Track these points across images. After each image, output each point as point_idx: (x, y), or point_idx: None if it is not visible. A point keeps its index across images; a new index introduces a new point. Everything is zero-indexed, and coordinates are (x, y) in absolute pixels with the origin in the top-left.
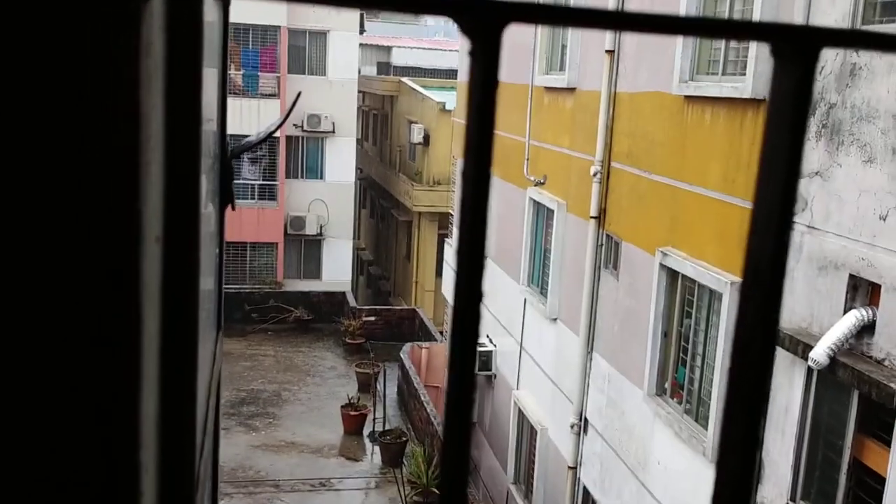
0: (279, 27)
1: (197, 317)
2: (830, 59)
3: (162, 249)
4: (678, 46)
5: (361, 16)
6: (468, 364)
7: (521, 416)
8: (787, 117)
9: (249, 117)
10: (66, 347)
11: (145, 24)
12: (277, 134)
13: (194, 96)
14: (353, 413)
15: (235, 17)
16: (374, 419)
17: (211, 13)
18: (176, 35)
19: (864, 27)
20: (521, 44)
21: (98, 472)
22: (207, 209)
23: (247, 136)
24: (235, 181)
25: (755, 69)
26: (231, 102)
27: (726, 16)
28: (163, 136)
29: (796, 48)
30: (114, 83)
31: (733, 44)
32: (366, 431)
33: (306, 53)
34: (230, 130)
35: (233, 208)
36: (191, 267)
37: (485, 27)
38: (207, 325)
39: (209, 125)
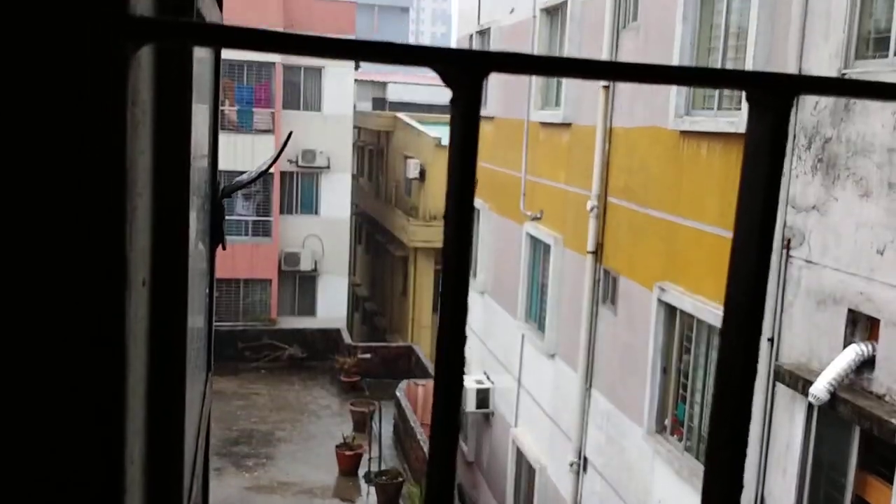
0: (274, 63)
1: (185, 359)
2: None
3: (149, 292)
4: None
5: None
6: (453, 403)
7: (520, 454)
8: (763, 162)
9: (244, 153)
10: (50, 390)
11: (133, 73)
12: (272, 170)
13: (183, 142)
14: (348, 453)
15: (230, 53)
16: (369, 459)
17: (202, 51)
18: (165, 84)
19: (858, 62)
20: (516, 79)
21: None
22: (198, 248)
23: (241, 172)
24: (229, 217)
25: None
26: (225, 138)
27: (720, 53)
28: (151, 181)
29: (770, 95)
30: (100, 131)
31: None
32: (361, 472)
33: (301, 89)
34: (224, 166)
35: (223, 248)
36: (179, 310)
37: (465, 77)
38: (197, 366)
39: (201, 164)
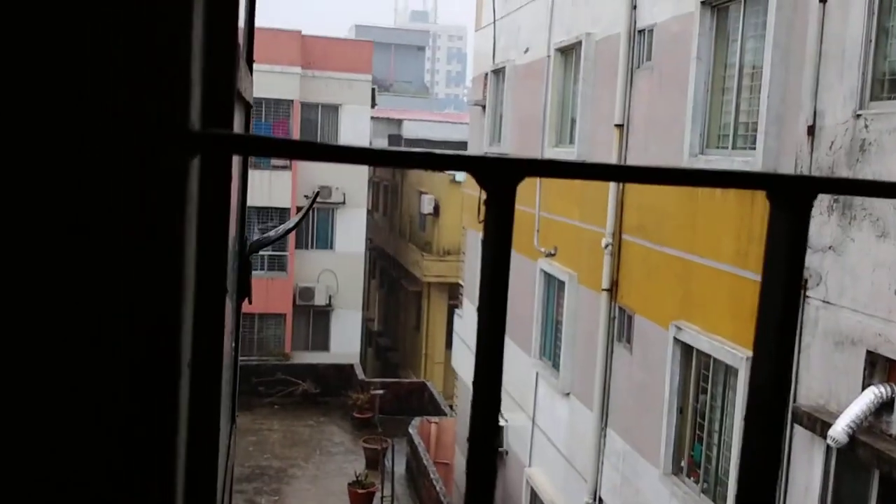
0: (292, 101)
1: (218, 432)
2: (840, 134)
3: (190, 373)
4: (688, 120)
5: (373, 90)
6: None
7: (534, 494)
8: (784, 258)
9: (261, 189)
10: (104, 469)
11: (190, 178)
12: (288, 205)
13: (222, 236)
14: (360, 491)
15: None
16: (382, 497)
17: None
18: (208, 188)
19: (873, 103)
20: (530, 116)
21: None
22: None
23: (259, 208)
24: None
25: (765, 143)
26: None
27: (735, 93)
28: (194, 267)
29: (790, 196)
30: (160, 234)
31: (742, 118)
32: None
33: (318, 126)
34: None
35: (249, 302)
36: (213, 388)
37: (500, 181)
38: (223, 422)
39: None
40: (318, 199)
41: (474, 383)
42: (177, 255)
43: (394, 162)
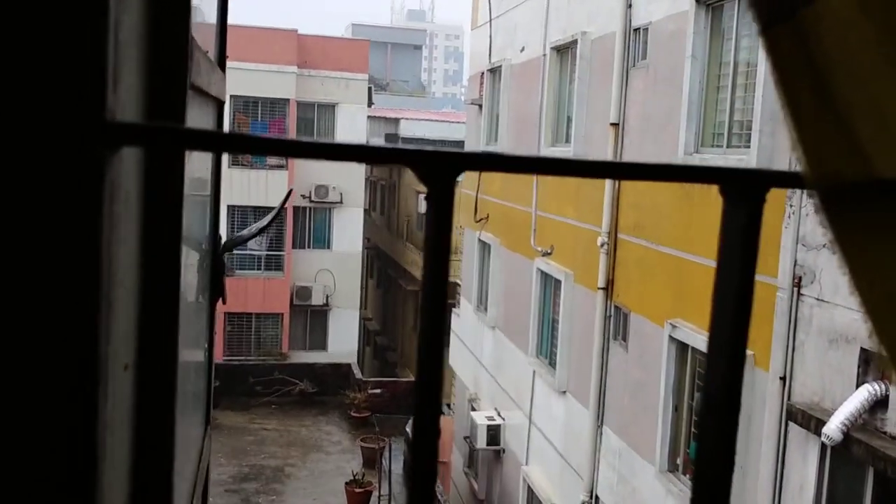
0: (288, 100)
1: (173, 437)
2: None
3: (134, 375)
4: (682, 119)
5: (370, 89)
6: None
7: (531, 492)
8: (738, 254)
9: (257, 188)
10: (22, 477)
11: (113, 170)
12: (285, 205)
13: (172, 233)
14: (357, 490)
15: (244, 90)
16: (379, 496)
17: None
18: (153, 177)
19: None
20: (527, 116)
21: None
22: (197, 305)
23: (255, 207)
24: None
25: (760, 141)
26: (240, 174)
27: (729, 91)
28: (136, 265)
29: (744, 191)
30: (74, 231)
31: (737, 116)
32: None
33: (315, 125)
34: (239, 201)
35: (223, 302)
36: (166, 391)
37: (439, 175)
38: (191, 423)
39: (202, 222)
40: (316, 199)
41: (416, 388)
42: (92, 250)
43: (326, 155)
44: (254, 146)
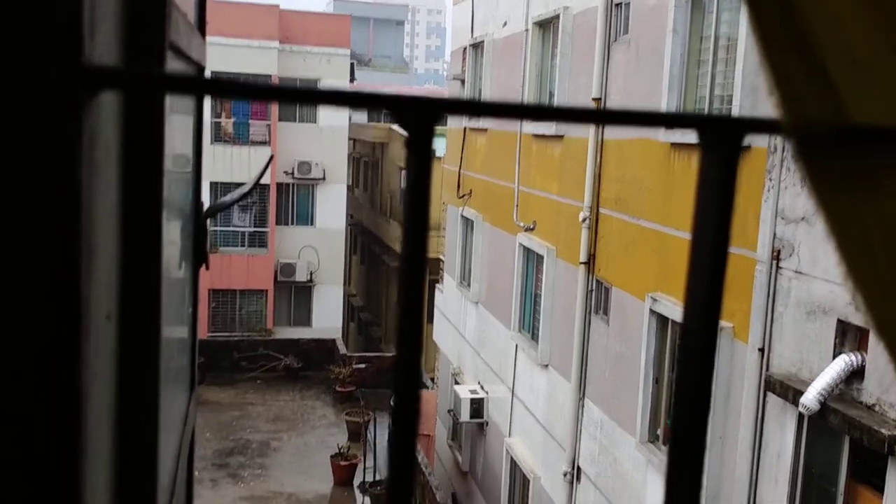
0: (270, 76)
1: (157, 388)
2: None
3: (116, 326)
4: (664, 93)
5: (352, 65)
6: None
7: (514, 464)
8: (714, 202)
9: (240, 164)
10: (5, 421)
11: (92, 116)
12: (268, 182)
13: (153, 185)
14: (343, 463)
15: (226, 66)
16: (364, 469)
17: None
18: (133, 117)
19: None
20: (509, 91)
21: None
22: (179, 269)
23: (239, 184)
24: (226, 228)
25: (740, 114)
26: (222, 150)
27: (710, 65)
28: (117, 216)
29: (721, 137)
30: (53, 177)
31: (718, 91)
32: (356, 482)
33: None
34: (222, 178)
35: (206, 268)
36: (149, 342)
37: (418, 120)
38: (177, 388)
39: (183, 184)
40: (299, 176)
41: (397, 333)
42: (72, 194)
43: (305, 99)
44: (233, 91)
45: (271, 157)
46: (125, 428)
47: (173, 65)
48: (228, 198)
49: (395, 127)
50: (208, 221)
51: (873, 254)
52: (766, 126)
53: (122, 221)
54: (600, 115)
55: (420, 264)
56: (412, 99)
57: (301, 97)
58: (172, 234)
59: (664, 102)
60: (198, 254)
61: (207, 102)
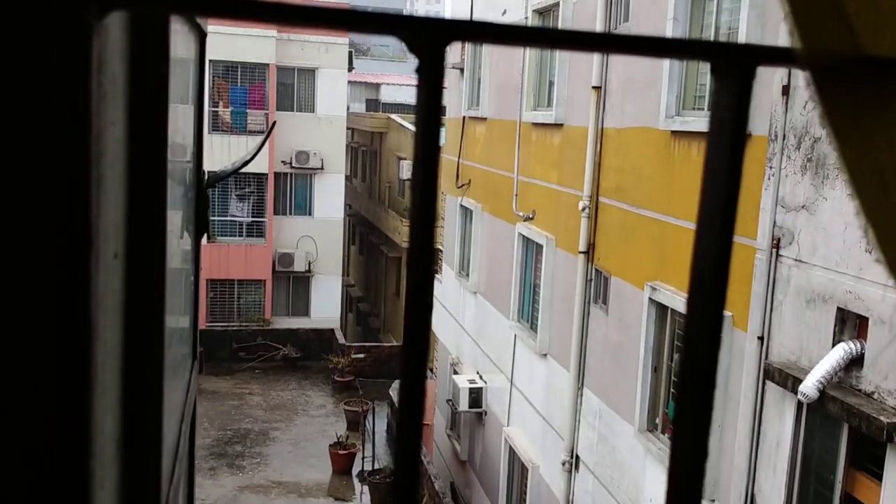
0: (268, 65)
1: (163, 332)
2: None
3: (124, 266)
4: (664, 82)
5: (350, 53)
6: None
7: (512, 453)
8: (728, 132)
9: (238, 154)
10: (12, 361)
11: (99, 41)
12: (266, 171)
13: (160, 114)
14: (341, 452)
15: (224, 54)
16: (363, 458)
17: (186, 48)
18: (139, 51)
19: None
20: (509, 80)
21: (49, 486)
22: (183, 238)
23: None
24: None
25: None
26: (220, 139)
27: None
28: (124, 152)
29: (733, 65)
30: (62, 97)
31: None
32: (355, 471)
33: (295, 91)
34: (218, 167)
35: (209, 238)
36: (156, 283)
37: (429, 44)
38: (179, 349)
39: (184, 155)
40: (297, 165)
41: (407, 288)
42: (81, 117)
43: (309, 20)
44: (239, 8)
45: (273, 124)
46: (132, 359)
47: (177, 32)
48: (230, 166)
49: (393, 116)
50: (209, 192)
51: (886, 187)
52: (780, 55)
53: (129, 158)
54: (611, 41)
55: (432, 193)
56: (422, 20)
57: (306, 17)
58: (175, 200)
59: (664, 91)
60: (200, 223)
61: (207, 106)
